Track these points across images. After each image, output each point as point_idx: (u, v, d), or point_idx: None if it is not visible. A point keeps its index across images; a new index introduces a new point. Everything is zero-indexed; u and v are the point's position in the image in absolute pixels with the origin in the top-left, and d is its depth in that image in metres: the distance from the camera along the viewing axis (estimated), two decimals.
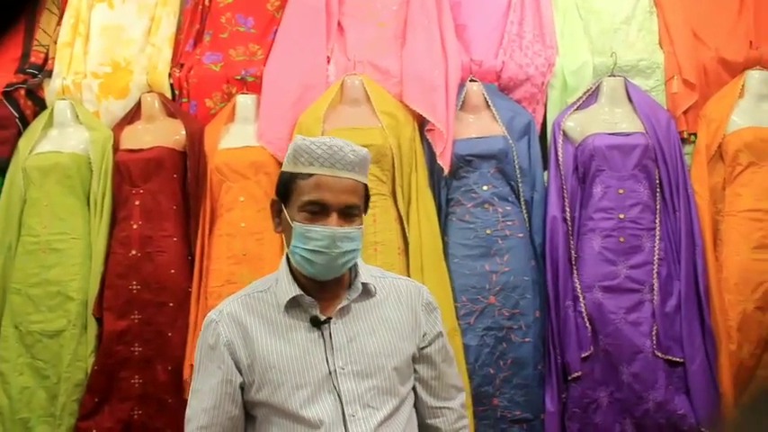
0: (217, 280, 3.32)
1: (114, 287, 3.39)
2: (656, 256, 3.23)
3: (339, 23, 3.69)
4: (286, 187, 1.85)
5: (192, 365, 3.27)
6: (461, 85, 3.48)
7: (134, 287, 3.37)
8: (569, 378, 3.19)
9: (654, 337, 3.16)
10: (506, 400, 3.17)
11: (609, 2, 3.69)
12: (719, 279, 3.26)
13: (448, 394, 1.99)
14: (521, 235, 3.28)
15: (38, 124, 3.61)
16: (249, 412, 1.88)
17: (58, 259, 3.43)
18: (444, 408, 1.98)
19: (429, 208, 3.32)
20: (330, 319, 1.84)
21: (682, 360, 3.18)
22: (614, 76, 3.46)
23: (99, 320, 3.41)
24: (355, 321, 1.87)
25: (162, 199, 3.44)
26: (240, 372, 1.83)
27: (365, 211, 1.90)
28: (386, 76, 3.52)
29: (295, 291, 1.85)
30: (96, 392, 3.34)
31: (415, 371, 1.94)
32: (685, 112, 3.48)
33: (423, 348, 1.94)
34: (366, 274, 1.93)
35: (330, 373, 1.80)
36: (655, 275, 3.22)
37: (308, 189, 1.81)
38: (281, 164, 3.39)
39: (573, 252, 3.29)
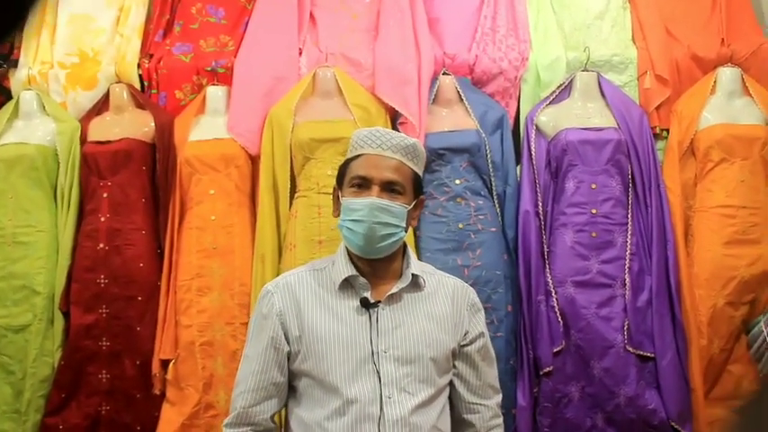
0: (186, 273, 3.28)
1: (82, 281, 3.34)
2: (628, 251, 3.23)
3: (311, 15, 3.65)
4: (341, 172, 2.01)
5: (160, 360, 3.27)
6: (434, 79, 3.45)
7: (102, 281, 3.32)
8: (541, 373, 3.18)
9: (625, 332, 3.17)
10: None
11: None
12: (690, 274, 3.27)
13: (485, 393, 2.06)
14: (493, 229, 3.26)
15: (3, 115, 3.53)
16: (291, 383, 1.98)
17: (24, 252, 3.37)
18: (480, 404, 2.05)
19: None
20: (379, 303, 1.92)
21: (652, 355, 3.18)
22: (587, 70, 3.46)
23: (66, 315, 3.36)
24: (402, 310, 1.96)
25: (131, 191, 3.39)
26: (288, 341, 1.94)
27: (416, 201, 2.01)
28: (358, 69, 3.48)
29: (350, 271, 1.95)
30: (63, 388, 3.29)
31: (454, 366, 2.01)
32: (658, 108, 3.48)
33: (464, 346, 2.02)
34: (417, 268, 2.03)
35: (372, 353, 1.89)
36: (626, 270, 3.22)
37: (355, 167, 1.97)
38: (251, 156, 3.42)
39: (545, 247, 3.28)
